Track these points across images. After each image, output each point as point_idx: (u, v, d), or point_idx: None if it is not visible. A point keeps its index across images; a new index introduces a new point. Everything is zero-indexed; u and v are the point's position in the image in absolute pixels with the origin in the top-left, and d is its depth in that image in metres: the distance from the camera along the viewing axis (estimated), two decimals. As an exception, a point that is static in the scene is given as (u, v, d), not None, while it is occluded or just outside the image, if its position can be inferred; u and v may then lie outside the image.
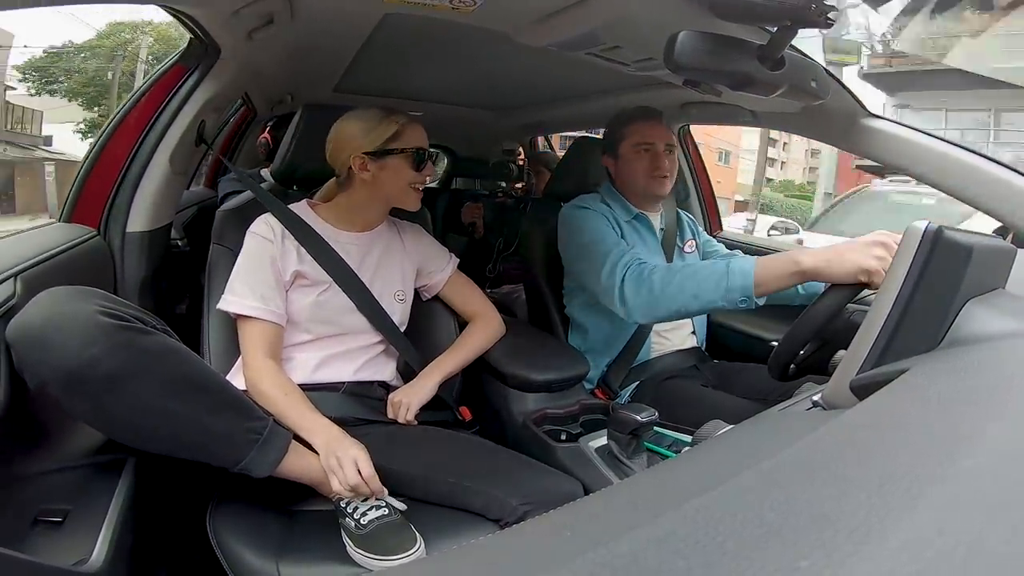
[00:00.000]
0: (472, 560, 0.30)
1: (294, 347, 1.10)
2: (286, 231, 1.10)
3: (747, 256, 1.11)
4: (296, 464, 0.87)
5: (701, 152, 2.04)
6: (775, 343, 0.91)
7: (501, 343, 1.28)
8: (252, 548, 0.82)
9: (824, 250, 0.95)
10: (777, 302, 1.26)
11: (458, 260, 1.32)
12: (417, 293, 1.28)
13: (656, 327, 1.41)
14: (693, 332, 1.50)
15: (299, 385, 1.01)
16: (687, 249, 1.49)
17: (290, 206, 1.14)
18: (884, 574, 0.20)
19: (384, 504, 0.87)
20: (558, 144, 3.08)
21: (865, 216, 4.72)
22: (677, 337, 1.46)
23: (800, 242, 4.21)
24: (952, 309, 0.52)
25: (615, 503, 0.37)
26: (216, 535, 0.84)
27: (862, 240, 0.91)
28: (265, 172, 1.90)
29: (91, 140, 1.24)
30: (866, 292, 0.89)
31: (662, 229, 1.45)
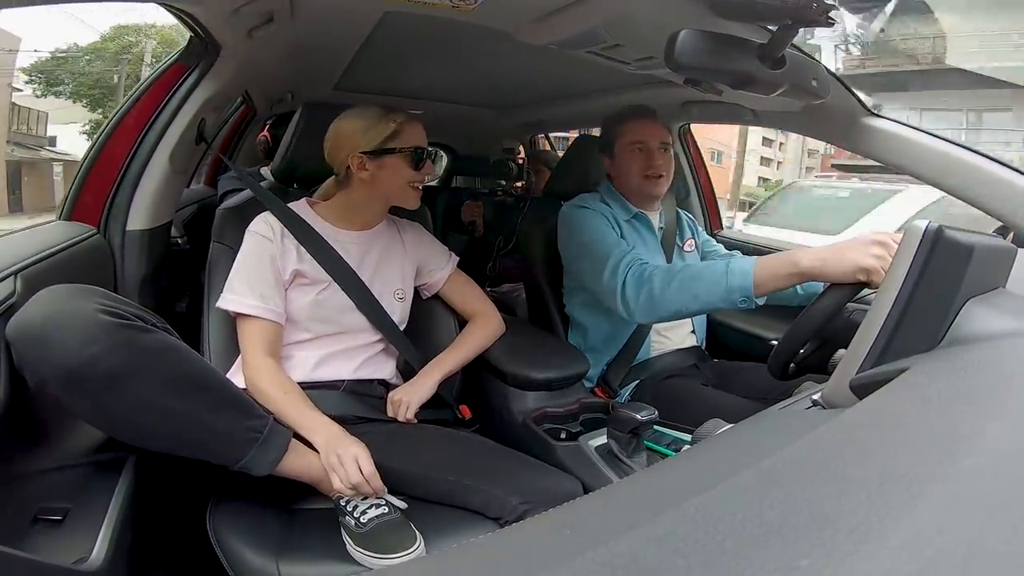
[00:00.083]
0: (472, 559, 0.30)
1: (294, 345, 1.10)
2: (285, 230, 1.10)
3: (746, 256, 1.11)
4: (296, 463, 0.87)
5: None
6: (775, 342, 0.91)
7: (501, 342, 1.28)
8: (252, 546, 0.82)
9: (822, 249, 0.95)
10: (776, 302, 1.27)
11: (458, 259, 1.32)
12: (417, 292, 1.28)
13: (656, 326, 1.41)
14: (693, 331, 1.50)
15: (299, 383, 1.01)
16: (687, 248, 1.49)
17: (289, 205, 1.14)
18: (884, 573, 0.20)
19: (384, 503, 0.87)
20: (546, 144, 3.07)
21: (792, 208, 4.85)
22: (677, 336, 1.46)
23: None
24: (952, 308, 0.52)
25: (615, 502, 0.37)
26: (216, 533, 0.85)
27: (861, 239, 0.91)
28: (265, 170, 1.90)
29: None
30: (866, 291, 0.89)
31: (661, 228, 1.45)
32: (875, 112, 1.20)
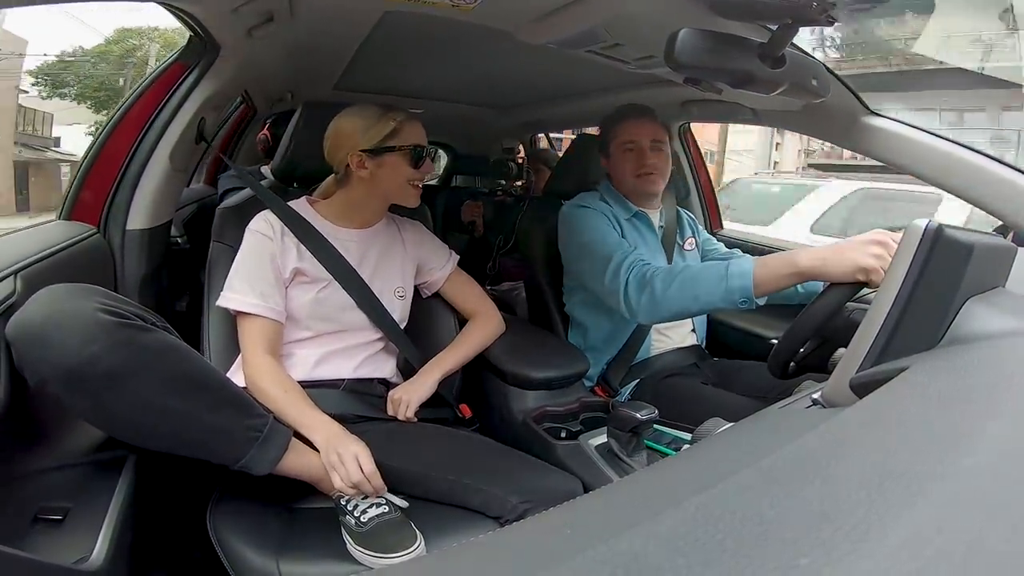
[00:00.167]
0: (472, 558, 0.30)
1: (294, 344, 1.10)
2: (285, 228, 1.10)
3: (746, 257, 1.11)
4: (296, 462, 0.87)
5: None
6: (775, 341, 0.91)
7: (501, 340, 1.28)
8: (252, 545, 0.82)
9: (822, 249, 0.96)
10: (777, 301, 1.27)
11: (458, 257, 1.32)
12: (417, 290, 1.28)
13: (656, 325, 1.41)
14: (693, 330, 1.50)
15: (299, 382, 1.01)
16: (687, 247, 1.49)
17: (289, 203, 1.14)
18: (884, 572, 0.20)
19: (384, 502, 0.87)
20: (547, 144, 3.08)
21: (735, 201, 5.24)
22: (677, 335, 1.46)
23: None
24: (952, 307, 0.52)
25: (615, 501, 0.37)
26: (216, 532, 0.85)
27: (860, 239, 0.91)
28: (265, 169, 1.89)
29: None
30: (866, 291, 0.89)
31: (662, 227, 1.45)
32: (875, 111, 1.20)
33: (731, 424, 0.70)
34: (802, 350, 0.89)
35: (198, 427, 0.78)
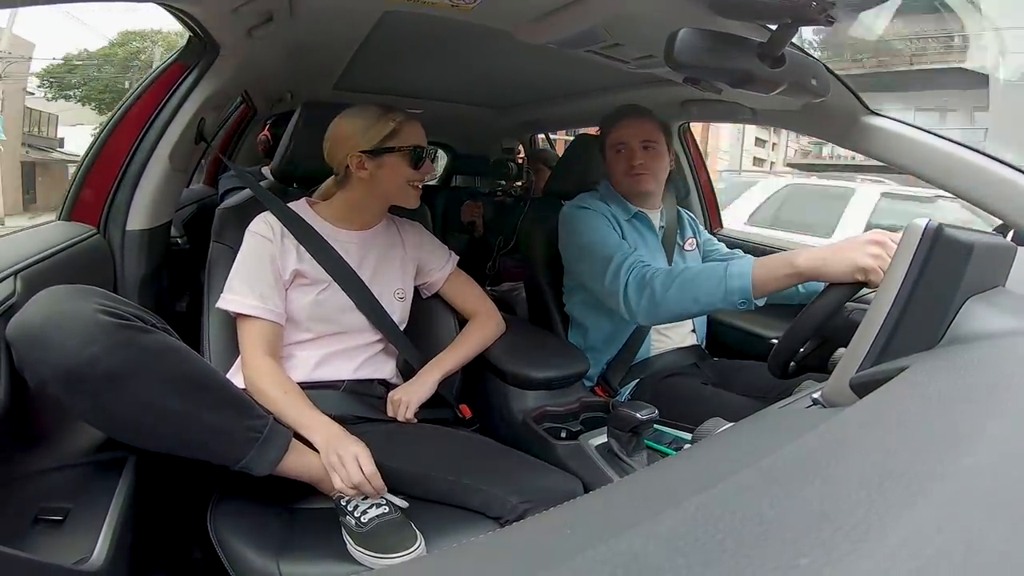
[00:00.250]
0: (472, 558, 0.30)
1: (294, 345, 1.10)
2: (285, 229, 1.10)
3: (746, 258, 1.11)
4: (296, 462, 0.87)
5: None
6: (775, 341, 0.91)
7: (501, 341, 1.28)
8: (252, 546, 0.82)
9: (820, 250, 0.96)
10: (778, 300, 1.27)
11: (458, 258, 1.32)
12: (417, 291, 1.28)
13: (656, 325, 1.41)
14: (693, 330, 1.50)
15: (299, 383, 1.01)
16: (687, 247, 1.49)
17: (289, 204, 1.14)
18: (884, 572, 0.20)
19: (384, 502, 0.87)
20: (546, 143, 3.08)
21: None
22: (677, 335, 1.46)
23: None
24: (952, 307, 0.52)
25: (615, 501, 0.37)
26: (217, 533, 0.85)
27: (859, 239, 0.92)
28: (265, 170, 1.89)
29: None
30: (865, 291, 0.89)
31: (662, 227, 1.45)
32: (875, 111, 1.20)
33: (731, 424, 0.70)
34: (802, 350, 0.90)
35: (198, 428, 0.78)
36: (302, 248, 1.10)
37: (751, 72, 0.76)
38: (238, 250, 1.09)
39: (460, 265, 1.32)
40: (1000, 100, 8.69)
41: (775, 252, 1.08)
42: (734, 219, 4.38)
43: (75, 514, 0.76)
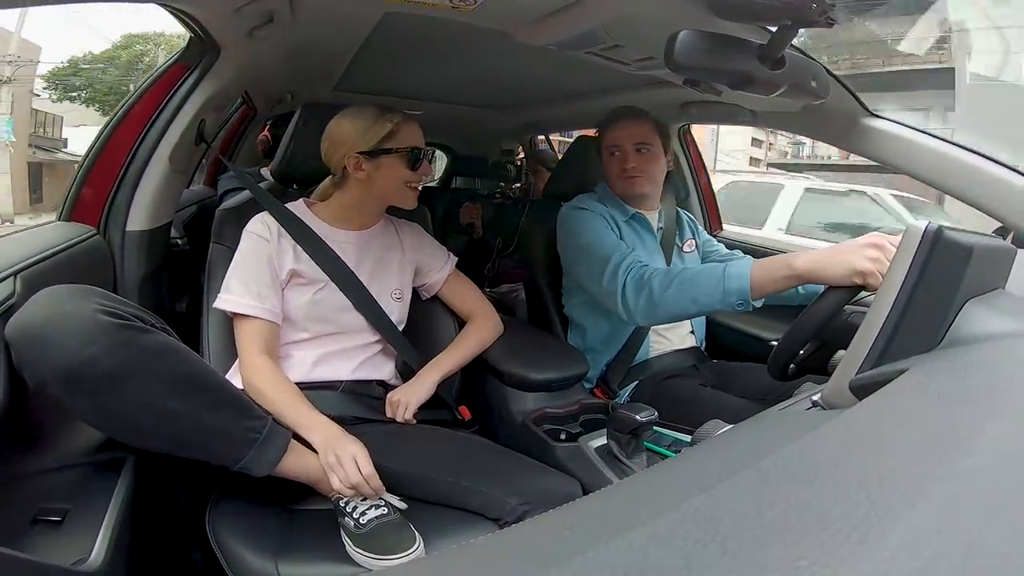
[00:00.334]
0: (471, 559, 0.30)
1: (292, 345, 1.10)
2: (282, 229, 1.10)
3: (744, 259, 1.11)
4: (295, 463, 0.87)
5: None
6: (774, 343, 0.91)
7: (500, 342, 1.28)
8: (251, 547, 0.82)
9: (819, 252, 0.96)
10: (778, 301, 1.27)
11: (456, 259, 1.32)
12: (416, 293, 1.28)
13: (655, 327, 1.41)
14: (692, 331, 1.50)
15: (297, 383, 1.01)
16: (686, 249, 1.49)
17: (287, 205, 1.14)
18: (883, 573, 0.20)
19: (383, 503, 0.87)
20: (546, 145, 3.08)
21: None
22: (676, 337, 1.46)
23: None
24: (952, 309, 0.52)
25: (614, 503, 0.37)
26: (215, 534, 0.84)
27: (857, 242, 0.92)
28: (265, 171, 1.90)
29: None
30: (864, 294, 0.89)
31: (660, 228, 1.45)
32: (875, 113, 1.20)
33: (731, 426, 0.70)
34: (801, 352, 0.90)
35: (197, 428, 0.78)
36: (299, 248, 1.10)
37: (751, 74, 0.76)
38: None
39: (459, 267, 1.32)
40: (966, 100, 8.81)
41: (774, 254, 1.08)
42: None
43: (74, 514, 0.76)
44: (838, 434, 0.38)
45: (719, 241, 1.61)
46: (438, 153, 3.26)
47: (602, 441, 1.10)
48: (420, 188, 1.16)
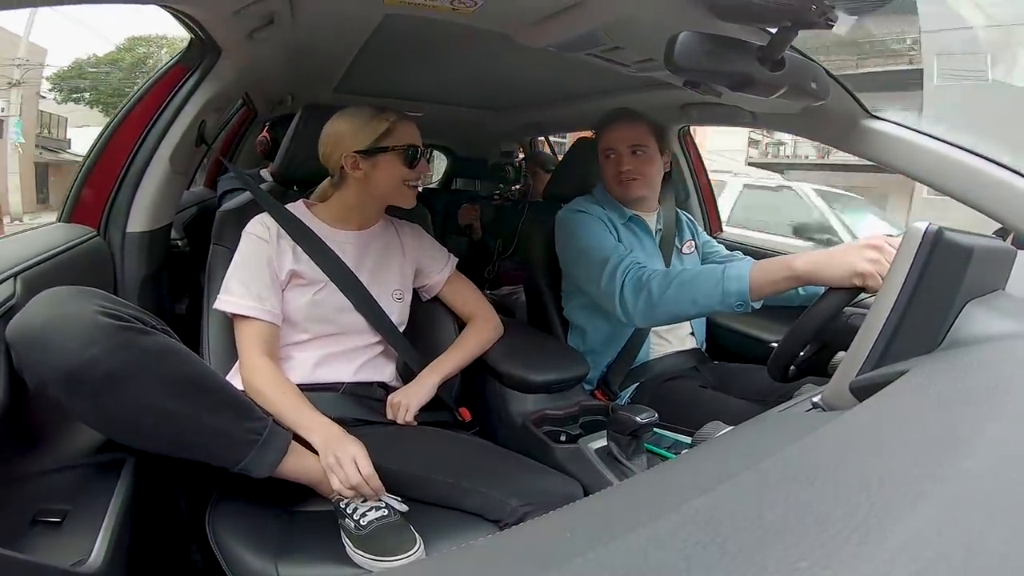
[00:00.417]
0: (471, 561, 0.30)
1: (292, 346, 1.10)
2: (281, 230, 1.10)
3: (743, 260, 1.11)
4: (296, 465, 0.87)
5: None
6: (775, 344, 0.91)
7: (500, 344, 1.28)
8: (251, 548, 0.82)
9: (818, 253, 0.96)
10: (778, 302, 1.27)
11: (457, 260, 1.32)
12: (417, 294, 1.28)
13: (655, 328, 1.41)
14: (692, 333, 1.50)
15: (298, 385, 1.01)
16: (685, 250, 1.49)
17: (287, 206, 1.14)
18: (883, 575, 0.20)
19: (384, 505, 0.87)
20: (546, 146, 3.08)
21: None
22: (676, 338, 1.46)
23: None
24: (952, 310, 0.52)
25: (615, 504, 0.37)
26: (215, 535, 0.84)
27: (856, 243, 0.92)
28: (264, 172, 1.90)
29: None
30: (864, 296, 0.89)
31: (659, 230, 1.45)
32: (875, 114, 1.20)
33: (731, 427, 0.70)
34: (802, 354, 0.90)
35: (197, 429, 0.78)
36: (299, 249, 1.10)
37: (751, 75, 0.76)
38: None
39: (459, 269, 1.32)
40: (933, 102, 8.87)
41: (774, 255, 1.08)
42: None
43: (73, 515, 0.76)
44: (838, 435, 0.38)
45: (719, 242, 1.61)
46: (438, 155, 3.27)
47: (602, 443, 1.10)
48: (419, 187, 1.16)
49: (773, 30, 0.75)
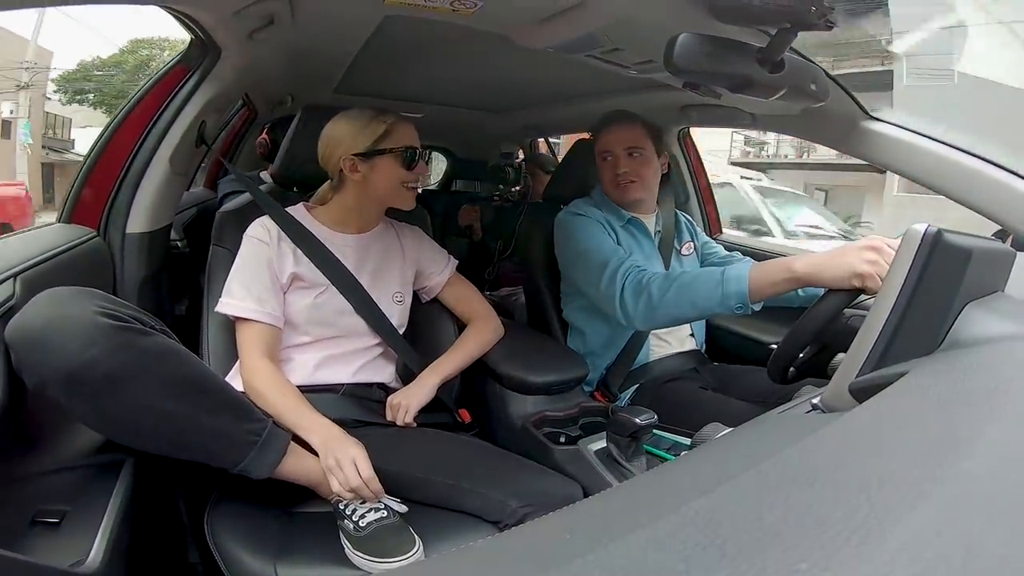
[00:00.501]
0: (471, 562, 0.30)
1: (293, 348, 1.10)
2: (282, 233, 1.10)
3: (743, 262, 1.11)
4: (295, 466, 0.87)
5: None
6: (774, 346, 0.91)
7: (500, 345, 1.27)
8: (250, 549, 0.82)
9: (818, 255, 0.96)
10: (779, 303, 1.27)
11: (457, 262, 1.32)
12: (417, 296, 1.28)
13: (654, 330, 1.41)
14: (692, 334, 1.49)
15: (298, 387, 1.01)
16: (684, 252, 1.49)
17: (287, 209, 1.14)
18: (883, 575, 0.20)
19: (383, 506, 0.87)
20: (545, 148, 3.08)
21: None
22: (676, 340, 1.46)
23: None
24: (951, 312, 0.52)
25: (614, 505, 0.37)
26: (214, 536, 0.84)
27: (855, 245, 0.92)
28: (264, 174, 1.90)
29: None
30: (864, 297, 0.89)
31: (658, 232, 1.45)
32: (874, 116, 1.20)
33: (730, 429, 0.70)
34: (801, 355, 0.90)
35: (197, 431, 0.78)
36: (299, 251, 1.10)
37: (750, 77, 0.76)
38: (237, 254, 1.09)
39: (459, 270, 1.32)
40: (903, 102, 8.92)
41: (773, 256, 1.08)
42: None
43: (72, 516, 0.76)
44: (838, 437, 0.38)
45: (718, 244, 1.61)
46: (438, 156, 3.27)
47: (601, 444, 1.10)
48: (418, 188, 1.16)
49: (773, 32, 0.75)
